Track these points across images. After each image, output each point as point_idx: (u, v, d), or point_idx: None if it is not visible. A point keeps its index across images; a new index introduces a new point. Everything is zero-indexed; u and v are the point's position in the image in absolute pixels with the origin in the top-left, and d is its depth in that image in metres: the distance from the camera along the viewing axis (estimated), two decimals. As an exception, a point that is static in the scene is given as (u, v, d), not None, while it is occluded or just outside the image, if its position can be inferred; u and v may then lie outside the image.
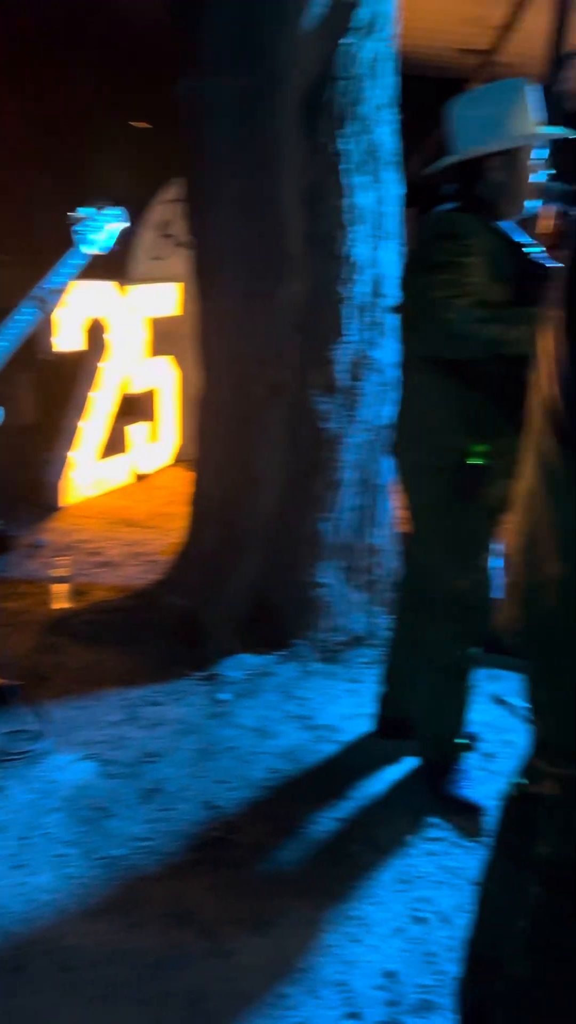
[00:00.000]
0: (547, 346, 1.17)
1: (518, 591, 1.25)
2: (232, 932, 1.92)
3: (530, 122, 2.16)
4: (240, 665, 3.09)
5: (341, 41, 2.88)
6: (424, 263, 2.06)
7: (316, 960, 1.88)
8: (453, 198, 2.22)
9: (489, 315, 2.01)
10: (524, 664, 1.32)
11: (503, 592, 1.31)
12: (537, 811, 1.48)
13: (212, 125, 2.93)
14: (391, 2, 3.03)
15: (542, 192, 2.26)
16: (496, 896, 1.57)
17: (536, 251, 2.20)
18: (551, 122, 3.79)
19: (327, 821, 2.32)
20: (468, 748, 2.59)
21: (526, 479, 1.25)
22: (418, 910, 2.04)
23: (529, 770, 1.50)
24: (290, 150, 2.91)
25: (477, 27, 5.55)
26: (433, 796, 2.41)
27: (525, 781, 1.53)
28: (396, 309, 2.24)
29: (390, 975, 1.85)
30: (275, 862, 2.15)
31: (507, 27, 5.37)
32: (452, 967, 1.86)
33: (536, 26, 5.07)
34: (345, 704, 2.91)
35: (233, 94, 2.84)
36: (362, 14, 2.89)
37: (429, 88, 6.85)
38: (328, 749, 2.64)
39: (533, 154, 2.19)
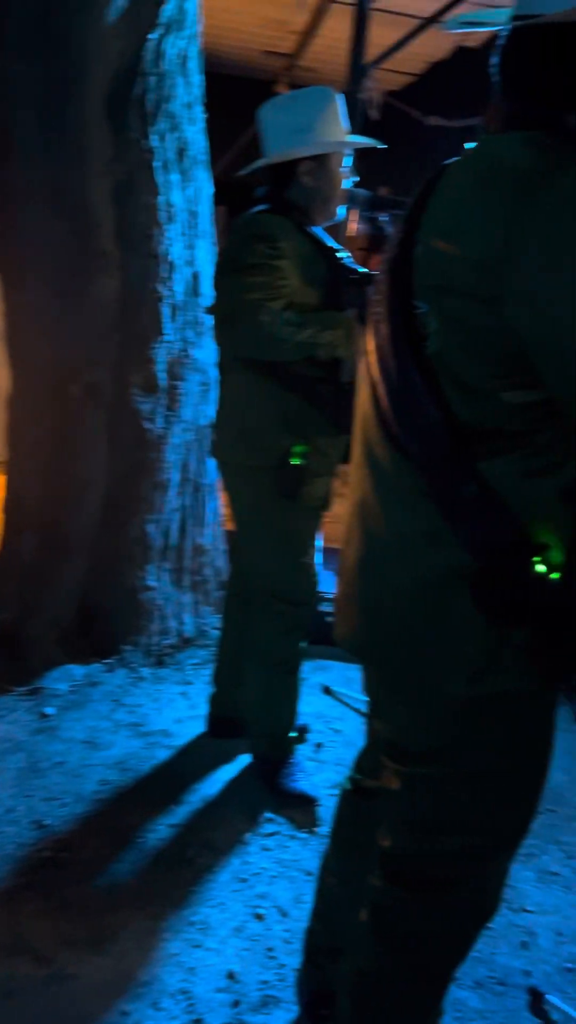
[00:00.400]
0: (372, 357, 1.19)
1: (357, 601, 1.27)
2: (70, 954, 1.86)
3: (339, 129, 2.22)
4: (66, 676, 2.99)
5: (148, 36, 2.83)
6: (236, 264, 2.07)
7: (158, 971, 1.85)
8: (264, 200, 2.25)
9: (301, 318, 2.05)
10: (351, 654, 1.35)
11: (339, 603, 1.33)
12: (373, 805, 1.53)
13: (17, 112, 2.79)
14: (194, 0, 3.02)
15: (349, 198, 2.33)
16: (335, 888, 1.61)
17: (345, 256, 2.26)
18: (353, 130, 3.93)
19: (163, 828, 2.29)
20: (299, 740, 2.64)
21: (357, 488, 1.27)
22: (257, 907, 2.05)
23: (368, 765, 1.55)
24: (99, 144, 2.83)
25: (280, 31, 5.64)
26: (268, 791, 2.44)
27: (359, 776, 1.58)
28: (209, 309, 2.23)
29: (232, 976, 1.85)
30: (111, 876, 2.10)
31: (308, 33, 5.48)
32: (291, 959, 1.90)
33: (337, 33, 5.23)
34: (178, 708, 2.89)
35: (38, 80, 2.72)
36: (168, 10, 2.86)
37: (236, 88, 6.91)
38: (162, 755, 2.61)
39: (342, 161, 2.26)
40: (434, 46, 5.41)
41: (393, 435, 1.15)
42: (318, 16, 5.18)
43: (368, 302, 2.26)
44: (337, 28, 5.17)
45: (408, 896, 1.29)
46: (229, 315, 2.03)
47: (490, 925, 2.02)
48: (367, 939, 1.34)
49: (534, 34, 1.05)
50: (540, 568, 1.07)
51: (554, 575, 1.07)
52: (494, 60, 1.14)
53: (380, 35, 4.77)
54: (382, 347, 1.15)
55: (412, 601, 1.17)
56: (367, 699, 1.45)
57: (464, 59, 5.67)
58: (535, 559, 1.07)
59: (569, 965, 1.97)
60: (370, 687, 1.40)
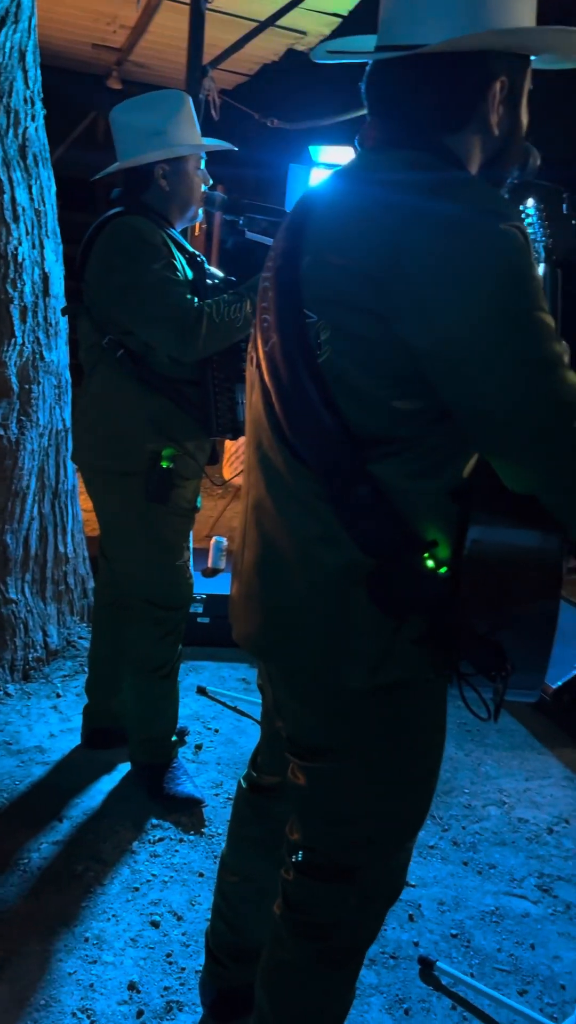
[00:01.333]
0: (264, 364, 1.21)
1: (256, 601, 1.29)
2: (-41, 989, 1.79)
3: (194, 132, 2.23)
4: None
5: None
6: (154, 277, 2.05)
7: (55, 992, 1.81)
8: (119, 202, 2.22)
9: (235, 295, 2.11)
10: (228, 653, 1.37)
11: (237, 603, 1.35)
12: (271, 802, 1.56)
13: None
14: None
15: (206, 201, 2.34)
16: (236, 886, 1.63)
17: (202, 259, 2.28)
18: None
19: (46, 847, 2.23)
20: (179, 743, 2.64)
21: (252, 491, 1.29)
22: (152, 914, 2.04)
23: (264, 762, 1.58)
24: None
25: (111, 25, 5.53)
26: (152, 797, 2.42)
27: (255, 773, 1.61)
28: (64, 311, 2.19)
29: (133, 986, 1.84)
30: (-4, 902, 2.03)
31: (139, 28, 5.42)
32: (192, 962, 1.90)
33: (168, 30, 5.20)
34: (50, 722, 2.81)
35: None
36: (2, 2, 2.76)
37: (67, 81, 6.73)
38: (38, 772, 2.53)
39: (199, 164, 2.27)
40: (265, 48, 5.47)
41: (287, 440, 1.18)
42: (150, 12, 5.12)
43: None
44: (168, 25, 5.14)
45: (320, 886, 1.33)
46: (186, 327, 2.02)
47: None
48: (281, 932, 1.37)
49: (408, 62, 1.10)
50: (429, 564, 1.14)
51: (442, 570, 1.14)
52: (363, 86, 1.19)
53: (212, 35, 4.80)
54: (273, 356, 1.18)
55: (310, 600, 1.21)
56: (265, 697, 1.48)
57: (293, 61, 5.78)
58: (425, 556, 1.14)
59: (454, 931, 2.08)
60: (270, 685, 1.43)
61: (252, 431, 1.30)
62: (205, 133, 2.38)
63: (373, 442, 1.13)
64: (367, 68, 1.19)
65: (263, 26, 4.13)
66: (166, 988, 1.85)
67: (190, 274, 2.18)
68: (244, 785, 1.64)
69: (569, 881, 2.29)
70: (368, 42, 1.19)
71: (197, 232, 4.02)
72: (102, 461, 2.24)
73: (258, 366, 1.25)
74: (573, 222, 1.39)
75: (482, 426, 1.07)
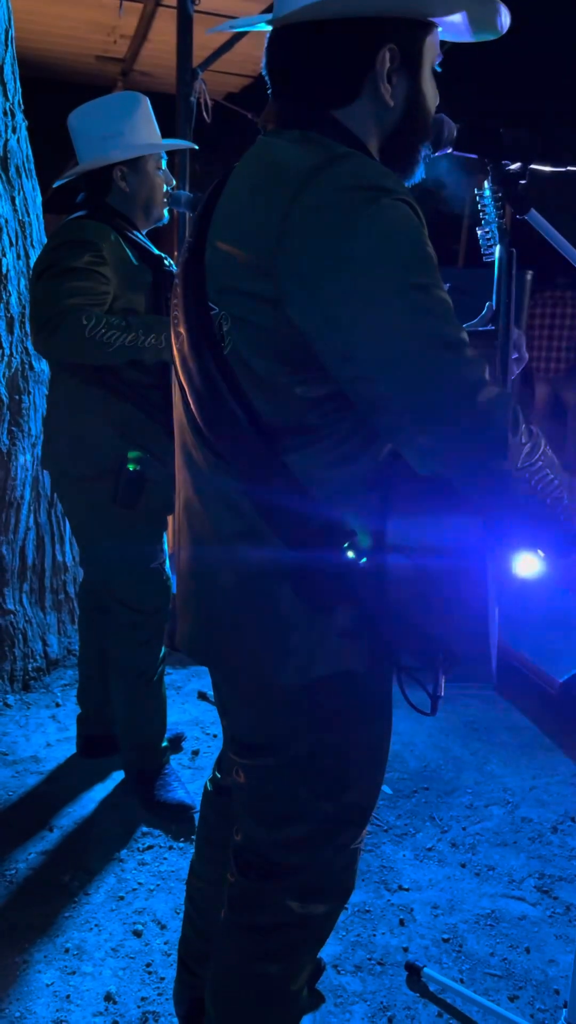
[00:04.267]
0: (177, 361, 1.19)
1: (191, 603, 1.27)
2: None
3: (151, 132, 2.21)
4: None
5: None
6: (54, 270, 2.03)
7: (31, 1004, 1.79)
8: (83, 206, 2.21)
9: (125, 321, 2.03)
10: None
11: (178, 606, 1.33)
12: (232, 804, 1.52)
13: None
14: (4, 4, 2.94)
15: (172, 200, 2.31)
16: (204, 891, 1.61)
17: (169, 262, 2.25)
18: (185, 133, 3.93)
19: (34, 857, 2.22)
20: (173, 749, 2.62)
21: (182, 491, 1.27)
22: (136, 923, 2.02)
23: (226, 763, 1.55)
24: None
25: (111, 35, 5.56)
26: (143, 805, 2.40)
27: (219, 774, 1.58)
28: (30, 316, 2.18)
29: (109, 997, 1.81)
30: (-20, 913, 2.02)
31: (138, 37, 5.44)
32: (171, 971, 1.87)
33: (167, 36, 5.21)
34: (48, 732, 2.80)
35: None
36: (-26, 16, 2.77)
37: (73, 95, 6.77)
38: (32, 782, 2.53)
39: (159, 164, 2.25)
40: (263, 49, 5.47)
41: (206, 437, 1.15)
42: (147, 20, 5.14)
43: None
44: (167, 31, 5.15)
45: (258, 886, 1.29)
46: (48, 321, 1.98)
47: (368, 908, 2.07)
48: (226, 936, 1.34)
49: (291, 35, 1.07)
50: (350, 554, 1.09)
51: (363, 560, 1.10)
52: (263, 63, 1.15)
53: (211, 39, 4.79)
54: (184, 352, 1.15)
55: (238, 598, 1.18)
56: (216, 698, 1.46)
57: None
58: (345, 546, 1.09)
59: (446, 936, 2.02)
60: (214, 686, 1.41)
61: (177, 432, 1.27)
62: (199, 136, 2.36)
63: (285, 432, 1.09)
64: (265, 46, 1.15)
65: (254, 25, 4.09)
66: (143, 999, 1.82)
67: (148, 277, 2.15)
68: (209, 788, 1.62)
69: (571, 882, 2.21)
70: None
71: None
72: (69, 467, 2.22)
73: (175, 364, 1.22)
74: (499, 194, 1.34)
75: (377, 411, 1.02)
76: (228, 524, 1.17)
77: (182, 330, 1.15)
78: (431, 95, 1.14)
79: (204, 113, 4.06)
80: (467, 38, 1.15)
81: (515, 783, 2.64)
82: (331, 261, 0.97)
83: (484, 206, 1.37)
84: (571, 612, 3.06)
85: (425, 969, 1.88)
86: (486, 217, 1.38)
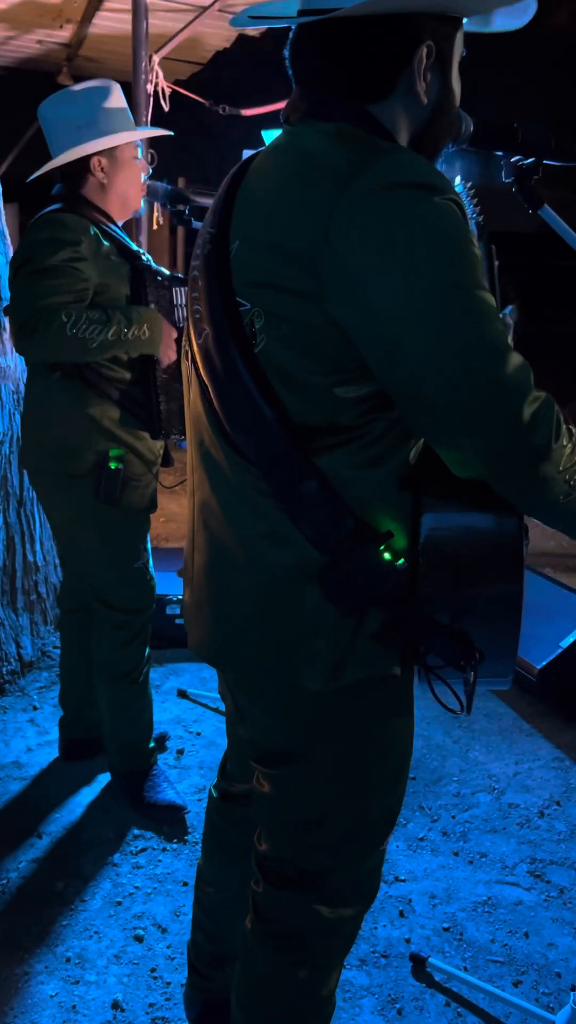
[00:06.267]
0: (199, 358, 1.15)
1: (207, 606, 1.23)
2: None
3: (125, 121, 2.16)
4: None
5: None
6: (33, 266, 1.97)
7: (37, 1016, 1.75)
8: (58, 199, 2.15)
9: (105, 315, 1.99)
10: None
11: (189, 610, 1.30)
12: (243, 809, 1.51)
13: None
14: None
15: (148, 192, 2.27)
16: (213, 896, 1.59)
17: (148, 259, 2.21)
18: (142, 121, 3.86)
19: (25, 864, 2.17)
20: (159, 749, 2.59)
21: (197, 492, 1.23)
22: (136, 928, 1.99)
23: (233, 769, 1.52)
24: None
25: (57, 20, 5.43)
26: (133, 807, 2.37)
27: (225, 782, 1.56)
28: (5, 312, 2.12)
29: (117, 1005, 1.79)
30: (-26, 926, 1.98)
31: (86, 22, 5.32)
32: (177, 976, 1.85)
33: (115, 23, 5.11)
34: (27, 736, 2.75)
35: None
36: None
37: (16, 81, 6.61)
38: (15, 788, 2.47)
39: (136, 153, 2.20)
40: (218, 36, 5.38)
41: (228, 436, 1.13)
42: (95, 5, 5.02)
43: (174, 304, 2.23)
44: (116, 18, 5.05)
45: (289, 895, 1.28)
46: (27, 321, 1.92)
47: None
48: (253, 945, 1.32)
49: (328, 27, 1.04)
50: (386, 556, 1.08)
51: (400, 561, 1.09)
52: (287, 54, 1.12)
53: (161, 25, 4.71)
54: (207, 348, 1.12)
55: (263, 601, 1.15)
56: (227, 704, 1.43)
57: (246, 48, 5.70)
58: (381, 548, 1.08)
59: (446, 925, 2.04)
60: (229, 692, 1.38)
61: (193, 429, 1.24)
62: (157, 124, 2.31)
63: (316, 433, 1.07)
64: (290, 35, 1.13)
65: (204, 10, 4.05)
66: (151, 1005, 1.79)
67: (126, 271, 2.11)
68: (215, 794, 1.59)
69: (561, 865, 2.25)
70: (293, 6, 1.13)
71: (156, 226, 3.94)
72: (48, 464, 2.17)
73: (193, 360, 1.19)
74: (514, 189, 1.34)
75: (421, 412, 1.01)
76: (249, 525, 1.14)
77: (206, 326, 1.12)
78: (458, 91, 1.13)
79: (162, 101, 3.99)
80: (490, 29, 1.15)
81: (499, 769, 2.68)
82: (381, 258, 0.95)
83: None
84: (549, 598, 3.11)
85: (430, 959, 1.90)
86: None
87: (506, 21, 1.12)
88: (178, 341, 2.13)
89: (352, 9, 1.00)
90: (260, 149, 1.18)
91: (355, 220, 0.95)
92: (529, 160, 1.28)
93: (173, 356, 2.17)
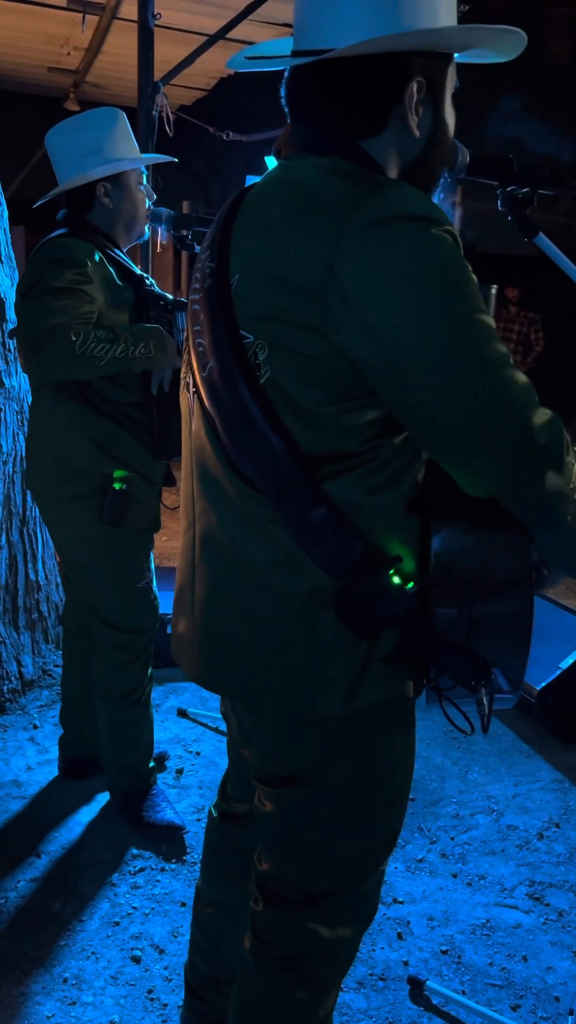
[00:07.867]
0: (202, 390, 1.17)
1: (211, 636, 1.24)
2: None
3: (131, 147, 2.20)
4: None
5: None
6: (39, 289, 2.00)
7: (33, 1038, 1.75)
8: (64, 224, 2.19)
9: (111, 334, 2.01)
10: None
11: (184, 640, 1.30)
12: (242, 830, 1.51)
13: None
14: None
15: (153, 217, 2.30)
16: (212, 917, 1.59)
17: (152, 283, 2.24)
18: (148, 147, 3.91)
19: (24, 884, 2.17)
20: (158, 769, 2.59)
21: (199, 522, 1.24)
22: (134, 948, 1.99)
23: (234, 790, 1.53)
24: None
25: (65, 47, 5.52)
26: (132, 827, 2.37)
27: (225, 802, 1.56)
28: (11, 333, 2.14)
29: (114, 1027, 1.78)
30: (-28, 946, 1.97)
31: (93, 49, 5.41)
32: (174, 997, 1.85)
33: (121, 50, 5.19)
34: (27, 754, 2.75)
35: None
36: None
37: (24, 106, 6.72)
38: (15, 807, 2.47)
39: (141, 179, 2.24)
40: (219, 62, 5.47)
41: (235, 467, 1.14)
42: (102, 33, 5.11)
43: (175, 329, 2.25)
44: (121, 45, 5.13)
45: (289, 916, 1.28)
46: (35, 341, 1.95)
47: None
48: (251, 964, 1.32)
49: (323, 66, 1.07)
50: (396, 580, 1.10)
51: (409, 585, 1.10)
52: (283, 91, 1.15)
53: (165, 52, 4.79)
54: (212, 381, 1.13)
55: (275, 629, 1.16)
56: (230, 726, 1.44)
57: (248, 75, 5.78)
58: (391, 572, 1.09)
59: (444, 947, 2.03)
60: (234, 715, 1.38)
61: (194, 460, 1.24)
62: (161, 150, 2.35)
63: (324, 460, 1.09)
64: (285, 74, 1.16)
65: (212, 40, 4.11)
66: (148, 1026, 1.79)
67: (129, 295, 2.14)
68: (215, 814, 1.60)
69: (560, 888, 2.24)
70: (288, 46, 1.16)
71: (159, 249, 3.99)
72: (52, 486, 2.19)
73: (196, 393, 1.20)
74: (509, 218, 1.37)
75: (434, 434, 1.03)
76: (261, 553, 1.14)
77: (211, 359, 1.13)
78: (452, 122, 1.15)
79: (167, 127, 4.05)
80: (481, 60, 1.17)
81: (498, 791, 2.67)
82: (384, 291, 0.97)
83: None
84: (547, 619, 3.12)
85: (428, 982, 1.89)
86: None
87: (498, 54, 1.15)
88: (176, 370, 2.15)
89: (345, 50, 1.03)
90: (259, 179, 1.20)
91: (358, 253, 0.97)
92: (524, 190, 1.31)
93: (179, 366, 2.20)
